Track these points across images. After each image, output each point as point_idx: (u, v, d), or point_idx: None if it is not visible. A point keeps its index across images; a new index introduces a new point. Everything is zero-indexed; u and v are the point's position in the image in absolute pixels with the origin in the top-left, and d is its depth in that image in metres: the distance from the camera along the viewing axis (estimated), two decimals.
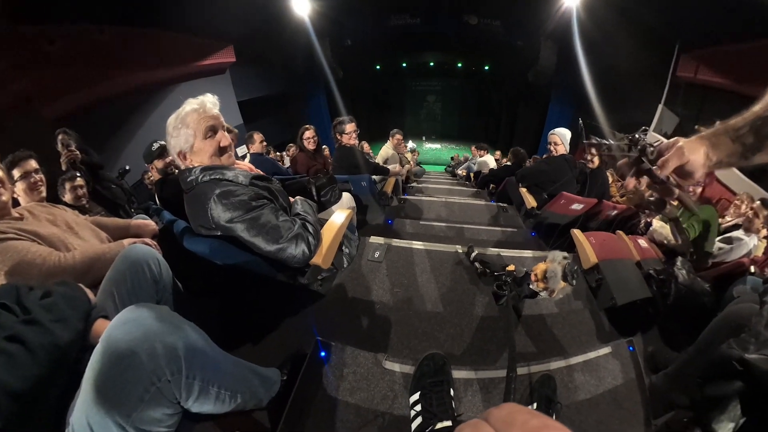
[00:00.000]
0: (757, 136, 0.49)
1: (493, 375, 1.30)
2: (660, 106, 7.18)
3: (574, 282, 1.28)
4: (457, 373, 1.26)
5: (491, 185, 4.39)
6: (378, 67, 12.87)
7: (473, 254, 1.93)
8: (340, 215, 1.45)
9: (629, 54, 7.19)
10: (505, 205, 3.65)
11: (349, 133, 2.64)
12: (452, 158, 10.17)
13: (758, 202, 2.52)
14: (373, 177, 2.53)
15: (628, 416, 1.31)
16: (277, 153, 5.94)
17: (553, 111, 10.36)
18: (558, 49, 9.09)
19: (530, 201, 2.93)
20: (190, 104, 1.10)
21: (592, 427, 1.24)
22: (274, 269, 1.21)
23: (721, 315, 1.24)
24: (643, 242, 2.58)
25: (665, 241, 2.51)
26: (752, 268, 1.87)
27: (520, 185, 3.15)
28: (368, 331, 1.45)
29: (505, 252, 2.13)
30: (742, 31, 4.79)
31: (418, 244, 2.03)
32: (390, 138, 4.16)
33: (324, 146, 4.40)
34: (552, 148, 2.93)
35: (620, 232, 2.60)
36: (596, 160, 3.02)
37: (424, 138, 14.63)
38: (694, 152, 0.53)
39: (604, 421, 1.27)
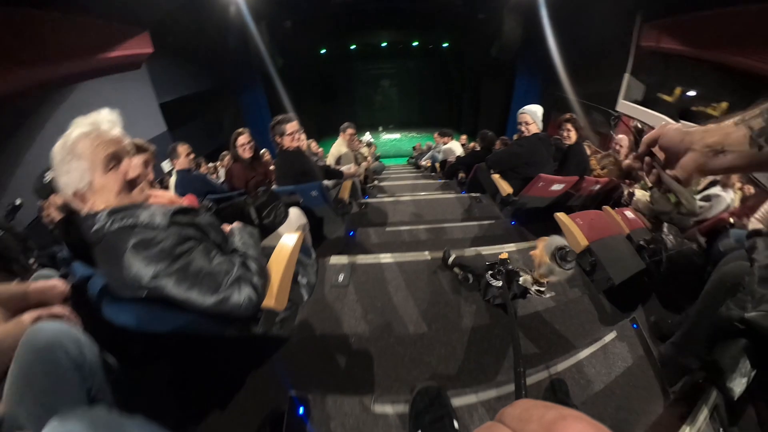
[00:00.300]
0: None
1: (497, 393, 1.31)
2: (626, 75, 8.14)
3: (570, 268, 1.33)
4: (458, 400, 1.26)
5: (460, 174, 4.42)
6: (323, 51, 12.57)
7: (451, 258, 1.91)
8: (289, 239, 1.34)
9: (594, 25, 8.01)
10: (477, 195, 3.68)
11: (290, 133, 2.43)
12: (414, 148, 10.24)
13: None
14: (326, 183, 2.40)
15: (645, 393, 1.45)
16: (210, 164, 5.57)
17: (520, 86, 10.73)
18: (523, 21, 9.46)
19: (505, 187, 2.97)
20: (79, 126, 0.94)
21: (612, 415, 1.33)
22: (221, 325, 1.09)
23: (715, 277, 1.39)
24: (629, 213, 2.83)
25: (651, 206, 2.79)
26: (731, 220, 2.14)
27: (492, 171, 3.17)
28: (348, 372, 1.41)
29: (487, 249, 2.17)
30: (701, 0, 5.64)
31: (386, 257, 2.00)
32: (341, 133, 3.99)
33: (264, 150, 4.21)
34: (523, 128, 2.97)
35: (606, 207, 2.81)
36: (573, 135, 3.11)
37: (380, 128, 14.70)
38: (677, 134, 0.54)
39: (623, 406, 1.38)
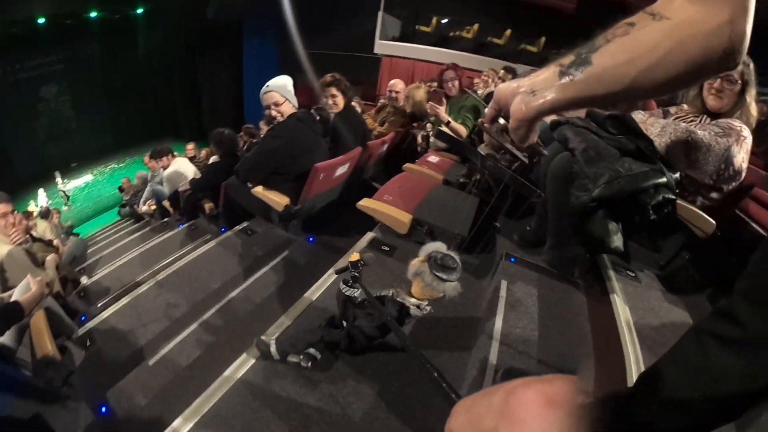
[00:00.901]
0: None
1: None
2: (380, 14, 10.74)
3: (458, 270, 1.56)
4: None
5: (206, 205, 4.26)
6: None
7: (272, 347, 1.95)
8: None
9: None
10: (245, 225, 3.63)
11: None
12: (121, 189, 9.33)
13: (503, 71, 4.24)
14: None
15: (566, 304, 2.26)
16: None
17: (251, 53, 11.45)
18: None
19: (278, 200, 3.06)
20: None
21: (557, 346, 1.99)
22: None
23: (550, 177, 2.13)
24: (433, 158, 3.64)
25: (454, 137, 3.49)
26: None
27: (251, 184, 3.18)
28: None
29: (297, 306, 2.33)
30: None
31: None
32: None
33: None
34: (273, 112, 3.10)
35: (408, 165, 3.47)
36: (340, 99, 3.42)
37: (58, 176, 12.61)
38: (506, 85, 0.74)
39: (557, 328, 2.07)
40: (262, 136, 4.45)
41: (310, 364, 1.87)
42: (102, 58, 13.18)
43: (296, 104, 3.16)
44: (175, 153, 5.83)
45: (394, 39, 11.40)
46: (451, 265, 1.53)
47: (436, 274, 1.52)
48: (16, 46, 11.41)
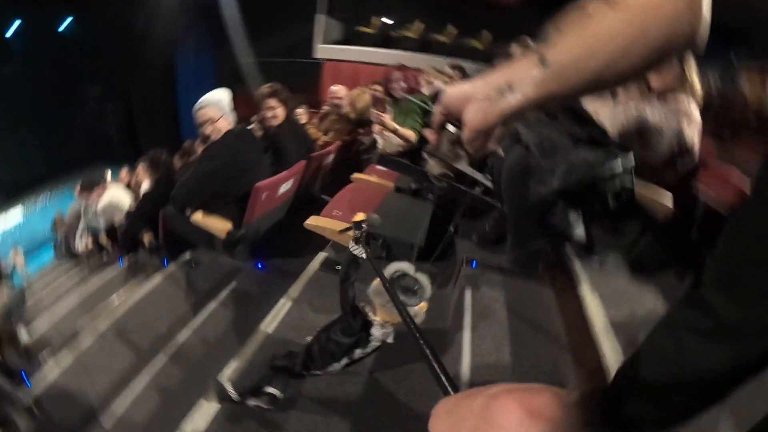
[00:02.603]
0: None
1: None
2: (320, 16, 10.55)
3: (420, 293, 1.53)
4: None
5: (145, 237, 4.13)
6: None
7: (230, 390, 1.87)
8: None
9: None
10: (190, 256, 3.56)
11: None
12: (54, 226, 8.94)
13: (449, 68, 4.33)
14: None
15: (534, 300, 2.32)
16: None
17: (185, 67, 11.24)
18: None
19: (219, 226, 2.99)
20: None
21: (536, 348, 2.03)
22: None
23: (506, 173, 2.13)
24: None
25: (399, 149, 3.57)
26: None
27: (189, 212, 3.07)
28: None
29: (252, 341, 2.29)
30: None
31: None
32: None
33: None
34: (209, 130, 3.00)
35: (356, 174, 3.47)
36: (281, 111, 3.37)
37: None
38: (456, 89, 0.68)
39: (524, 340, 2.06)
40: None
41: (272, 405, 1.78)
42: (24, 74, 12.48)
43: (233, 120, 3.08)
44: (110, 180, 5.60)
45: (335, 42, 11.32)
46: (412, 287, 1.51)
47: (401, 297, 1.46)
48: None
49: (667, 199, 2.20)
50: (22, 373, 3.07)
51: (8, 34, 11.57)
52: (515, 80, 0.59)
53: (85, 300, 4.38)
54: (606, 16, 0.55)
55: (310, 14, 10.74)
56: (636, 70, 0.55)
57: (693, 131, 2.15)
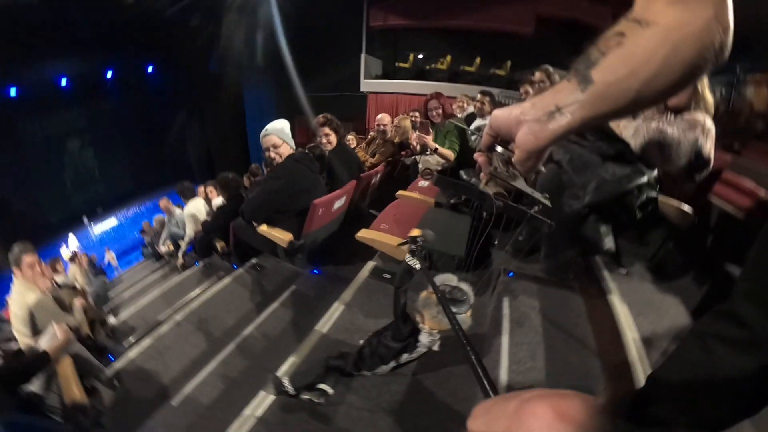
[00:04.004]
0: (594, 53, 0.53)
1: None
2: (363, 55, 11.08)
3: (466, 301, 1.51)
4: None
5: (219, 245, 4.18)
6: None
7: (286, 383, 1.87)
8: None
9: (322, 14, 10.46)
10: (256, 261, 3.53)
11: None
12: (142, 232, 9.19)
13: (479, 95, 4.11)
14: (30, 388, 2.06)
15: (565, 309, 2.17)
16: None
17: (251, 100, 11.72)
18: (245, 22, 10.52)
19: (282, 236, 2.95)
20: None
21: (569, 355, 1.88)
22: None
23: (540, 191, 1.91)
24: (423, 183, 3.53)
25: (438, 167, 3.52)
26: None
27: (256, 224, 3.06)
28: None
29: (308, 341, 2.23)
30: None
31: None
32: (14, 269, 3.02)
33: None
34: (272, 154, 3.02)
35: (400, 192, 3.37)
36: (333, 137, 3.35)
37: (86, 219, 12.53)
38: (504, 111, 0.62)
39: (557, 346, 1.93)
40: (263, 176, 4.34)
41: (323, 400, 1.79)
42: (118, 111, 13.20)
43: (293, 145, 3.06)
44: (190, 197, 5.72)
45: (377, 77, 11.65)
46: (460, 298, 1.48)
47: (444, 307, 1.39)
48: (43, 106, 11.42)
49: (687, 210, 2.10)
50: (109, 352, 3.15)
51: (107, 77, 12.28)
52: (561, 102, 0.54)
53: (166, 294, 4.44)
54: (640, 36, 0.49)
55: (356, 54, 11.12)
56: (672, 87, 0.49)
57: (709, 143, 2.04)
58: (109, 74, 12.25)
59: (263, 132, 3.01)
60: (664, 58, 0.48)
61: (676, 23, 0.48)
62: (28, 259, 3.00)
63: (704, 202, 2.31)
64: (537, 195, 1.13)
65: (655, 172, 2.00)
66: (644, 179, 1.86)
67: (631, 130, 2.21)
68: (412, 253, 1.61)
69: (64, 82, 11.36)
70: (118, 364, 2.81)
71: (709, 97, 2.12)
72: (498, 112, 0.62)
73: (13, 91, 10.47)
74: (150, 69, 12.78)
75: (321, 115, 3.45)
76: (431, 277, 1.43)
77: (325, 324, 2.36)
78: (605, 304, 2.05)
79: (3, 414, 1.75)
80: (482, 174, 0.74)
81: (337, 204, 3.04)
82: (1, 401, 1.87)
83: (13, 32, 8.67)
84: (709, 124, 2.05)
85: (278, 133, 2.98)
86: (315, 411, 1.80)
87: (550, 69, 3.58)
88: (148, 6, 9.61)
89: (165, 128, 13.65)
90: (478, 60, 10.62)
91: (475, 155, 0.75)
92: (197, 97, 12.47)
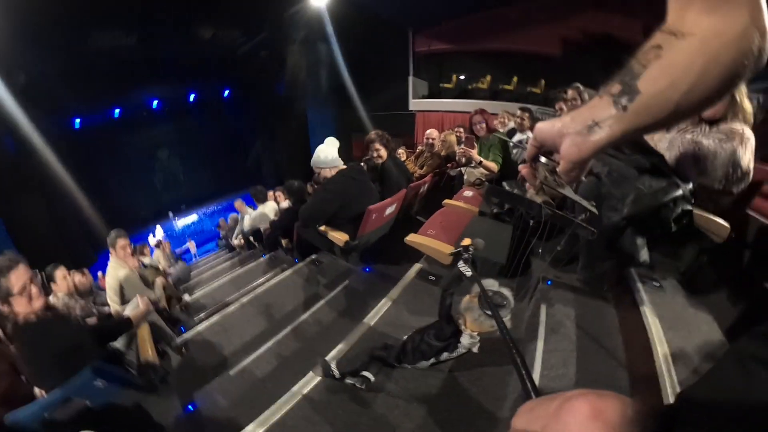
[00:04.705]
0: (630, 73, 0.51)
1: None
2: (410, 78, 11.34)
3: (507, 306, 1.45)
4: None
5: (284, 242, 4.24)
6: (78, 120, 10.82)
7: (334, 368, 1.90)
8: None
9: (374, 44, 10.95)
10: (314, 257, 3.59)
11: (22, 291, 1.78)
12: (218, 227, 9.60)
13: (519, 111, 4.10)
14: (116, 345, 2.15)
15: (599, 319, 2.05)
16: None
17: (314, 119, 12.11)
18: (307, 52, 11.11)
19: (339, 237, 2.96)
20: None
21: (599, 363, 1.79)
22: None
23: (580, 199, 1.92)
24: (468, 192, 3.46)
25: (482, 178, 3.47)
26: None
27: (317, 226, 3.09)
28: None
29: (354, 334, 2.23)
30: (454, 11, 9.82)
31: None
32: (111, 250, 3.24)
33: None
34: (322, 173, 3.06)
35: (447, 201, 3.31)
36: (383, 152, 3.38)
37: (171, 214, 13.32)
38: (548, 124, 0.59)
39: (589, 354, 1.84)
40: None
41: (365, 386, 1.80)
42: (199, 127, 14.21)
43: (338, 164, 3.03)
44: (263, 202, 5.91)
45: (423, 97, 11.67)
46: (500, 302, 1.43)
47: (485, 311, 1.41)
48: (141, 124, 12.65)
49: (723, 223, 1.88)
50: (181, 324, 3.29)
51: (190, 100, 13.24)
52: (597, 117, 0.52)
53: (235, 279, 4.58)
54: (677, 47, 0.46)
55: (404, 77, 11.32)
56: (712, 96, 0.46)
57: (747, 154, 1.82)
58: (192, 97, 13.22)
59: (315, 157, 3.04)
60: (703, 67, 0.45)
61: (712, 32, 0.45)
62: (122, 242, 3.22)
63: (742, 216, 2.07)
64: (584, 203, 1.09)
65: (691, 185, 1.81)
66: (679, 192, 1.72)
67: (665, 143, 2.05)
68: (465, 261, 1.57)
69: (155, 104, 12.49)
70: (188, 334, 2.94)
71: (748, 106, 1.90)
72: (542, 125, 0.61)
73: (116, 112, 11.77)
74: (226, 93, 13.59)
75: (373, 132, 3.50)
76: (482, 284, 1.38)
77: (372, 317, 2.36)
78: (637, 316, 1.91)
79: (94, 361, 1.88)
80: (527, 184, 0.72)
81: (389, 210, 3.04)
82: (94, 353, 2.00)
83: (117, 66, 9.60)
84: (748, 133, 1.84)
85: (318, 164, 3.02)
86: (356, 395, 1.81)
87: (581, 87, 3.48)
88: (224, 42, 10.43)
89: (239, 141, 14.48)
90: (515, 79, 10.34)
91: (520, 167, 0.74)
92: (267, 115, 13.02)
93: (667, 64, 0.46)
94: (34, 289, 1.81)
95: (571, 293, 2.21)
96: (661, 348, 1.66)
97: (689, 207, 1.74)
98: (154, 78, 11.21)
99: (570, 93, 3.39)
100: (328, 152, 3.01)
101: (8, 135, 8.24)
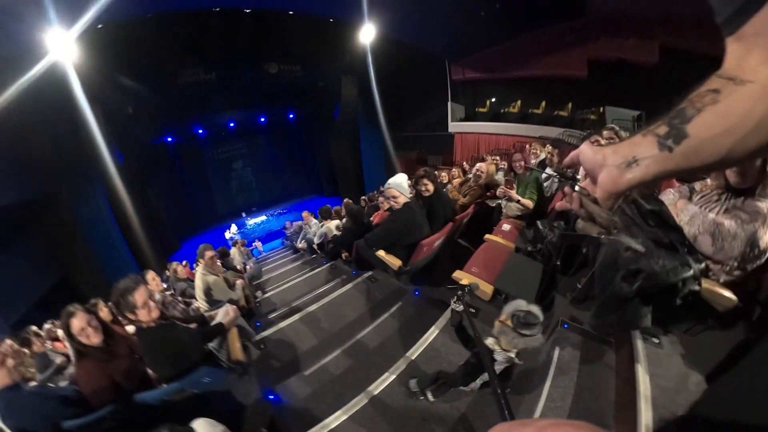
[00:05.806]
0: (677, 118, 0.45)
1: None
2: (449, 103, 11.58)
3: (538, 324, 1.39)
4: None
5: (343, 254, 4.28)
6: (170, 139, 12.03)
7: (413, 385, 1.91)
8: None
9: (415, 72, 11.51)
10: (370, 273, 3.59)
11: (144, 305, 1.85)
12: (284, 229, 9.89)
13: (549, 146, 3.96)
14: (211, 345, 2.18)
15: (599, 359, 1.96)
16: (48, 342, 3.32)
17: (365, 139, 12.39)
18: (357, 82, 11.62)
19: (394, 262, 2.93)
20: None
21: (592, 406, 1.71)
22: None
23: (601, 263, 1.83)
24: (506, 226, 3.30)
25: (519, 213, 3.34)
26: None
27: (375, 249, 3.07)
28: None
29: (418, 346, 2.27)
30: (487, 41, 10.04)
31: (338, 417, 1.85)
32: (200, 260, 3.48)
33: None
34: (392, 203, 3.01)
35: (488, 236, 3.19)
36: (431, 186, 3.26)
37: (244, 215, 14.03)
38: (591, 150, 0.55)
39: (583, 394, 1.76)
40: (385, 211, 4.34)
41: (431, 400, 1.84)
42: (268, 144, 15.28)
43: (408, 196, 3.01)
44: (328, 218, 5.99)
45: (461, 120, 11.64)
46: (532, 321, 1.36)
47: (519, 331, 1.38)
48: (220, 141, 14.01)
49: (731, 297, 1.63)
50: (257, 320, 3.42)
51: (261, 122, 14.16)
52: (639, 155, 0.47)
53: (301, 283, 4.67)
54: (736, 94, 0.40)
55: (443, 102, 11.53)
56: (764, 147, 0.40)
57: None
58: (262, 119, 14.09)
59: (387, 184, 3.02)
60: (762, 115, 0.39)
61: None
62: (209, 253, 3.43)
63: (755, 285, 1.74)
64: (633, 243, 1.02)
65: (702, 265, 1.62)
66: (690, 273, 1.54)
67: (687, 215, 1.80)
68: (459, 297, 1.54)
69: (232, 125, 13.55)
70: (265, 333, 3.03)
71: None
72: (586, 150, 0.56)
73: (200, 132, 13.07)
74: (291, 116, 14.35)
75: (422, 168, 3.40)
76: (471, 317, 1.38)
77: (422, 343, 2.35)
78: (632, 368, 1.80)
79: (197, 359, 2.05)
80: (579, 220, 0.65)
81: (437, 242, 3.02)
82: (197, 352, 2.14)
83: (200, 95, 10.89)
84: None
85: (398, 187, 2.99)
86: (419, 405, 1.85)
87: (616, 128, 3.29)
88: (287, 75, 11.29)
89: (301, 156, 15.16)
90: (543, 103, 10.16)
91: (558, 205, 0.67)
92: (325, 135, 13.48)
93: (725, 109, 0.41)
94: (152, 304, 1.93)
95: (581, 336, 2.13)
96: (645, 404, 1.58)
97: (697, 287, 1.58)
98: (232, 105, 12.28)
99: (605, 134, 3.18)
100: (403, 181, 3.02)
101: (118, 151, 9.00)
